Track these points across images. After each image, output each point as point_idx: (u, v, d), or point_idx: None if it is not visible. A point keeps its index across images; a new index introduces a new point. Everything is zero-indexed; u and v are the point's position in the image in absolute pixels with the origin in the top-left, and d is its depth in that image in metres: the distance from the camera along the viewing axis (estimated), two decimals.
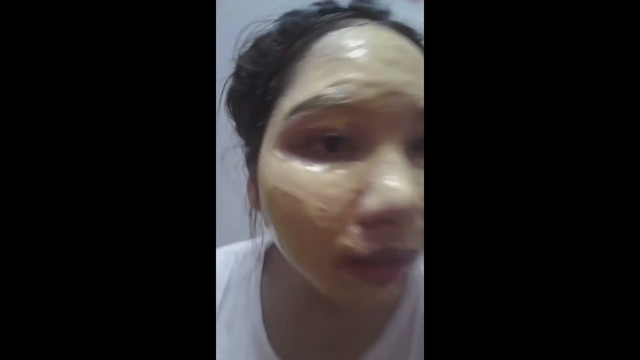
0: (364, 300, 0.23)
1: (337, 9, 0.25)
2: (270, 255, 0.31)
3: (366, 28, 0.23)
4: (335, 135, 0.21)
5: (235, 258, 0.31)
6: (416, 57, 0.23)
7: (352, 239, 0.20)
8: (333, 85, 0.20)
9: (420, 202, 0.21)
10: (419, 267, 0.27)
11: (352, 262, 0.21)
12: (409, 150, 0.22)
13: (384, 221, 0.20)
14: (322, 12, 0.25)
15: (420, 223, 0.22)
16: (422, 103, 0.22)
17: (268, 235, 0.29)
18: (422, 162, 0.23)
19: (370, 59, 0.21)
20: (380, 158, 0.20)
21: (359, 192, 0.20)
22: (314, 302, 0.27)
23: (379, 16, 0.26)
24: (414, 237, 0.21)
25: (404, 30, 0.25)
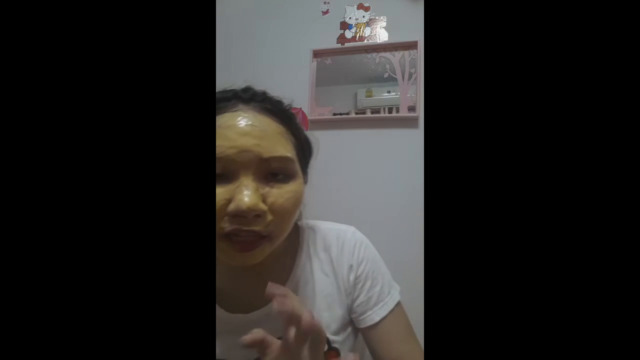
0: (239, 262, 0.42)
1: (227, 97, 0.45)
2: None
3: (236, 112, 0.43)
4: (219, 173, 0.41)
5: None
6: (266, 127, 0.43)
7: (225, 223, 0.40)
8: (218, 148, 0.40)
9: (259, 206, 0.40)
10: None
11: (226, 236, 0.41)
12: (261, 178, 0.42)
13: (237, 214, 0.40)
14: (224, 99, 0.45)
15: (265, 217, 0.41)
16: (266, 155, 0.41)
17: None
18: (274, 184, 0.42)
19: (230, 132, 0.41)
20: (240, 183, 0.41)
21: (229, 200, 0.40)
22: (245, 272, 0.50)
23: (249, 101, 0.45)
24: (259, 223, 0.41)
25: (262, 109, 0.45)
